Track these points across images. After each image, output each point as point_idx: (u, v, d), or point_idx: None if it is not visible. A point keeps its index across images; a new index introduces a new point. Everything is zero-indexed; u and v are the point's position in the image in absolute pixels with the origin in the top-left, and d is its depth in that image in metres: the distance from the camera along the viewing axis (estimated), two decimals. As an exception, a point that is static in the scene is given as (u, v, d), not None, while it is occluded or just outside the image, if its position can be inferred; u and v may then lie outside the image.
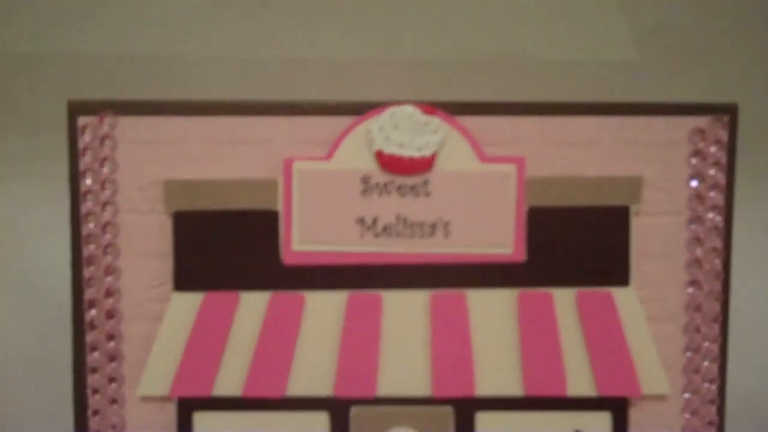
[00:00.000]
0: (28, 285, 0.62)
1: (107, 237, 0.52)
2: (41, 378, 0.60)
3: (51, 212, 0.53)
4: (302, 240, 0.52)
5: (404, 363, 0.52)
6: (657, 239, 0.52)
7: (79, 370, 0.52)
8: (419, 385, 0.51)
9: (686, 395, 0.53)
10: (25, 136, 0.59)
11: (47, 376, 0.58)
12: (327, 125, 0.51)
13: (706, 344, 0.53)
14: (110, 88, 0.51)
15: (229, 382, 0.51)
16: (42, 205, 0.57)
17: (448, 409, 0.52)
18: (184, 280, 0.52)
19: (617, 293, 0.52)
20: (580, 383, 0.52)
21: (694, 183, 0.52)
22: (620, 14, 0.67)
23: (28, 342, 0.62)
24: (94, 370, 0.53)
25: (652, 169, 0.52)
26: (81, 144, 0.52)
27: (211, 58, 0.61)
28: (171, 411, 0.52)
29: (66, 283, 0.52)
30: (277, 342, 0.52)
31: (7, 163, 0.64)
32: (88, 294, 0.52)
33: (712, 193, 0.52)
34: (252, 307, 0.52)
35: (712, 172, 0.52)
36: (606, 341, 0.52)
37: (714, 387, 0.53)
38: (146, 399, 0.53)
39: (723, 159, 0.52)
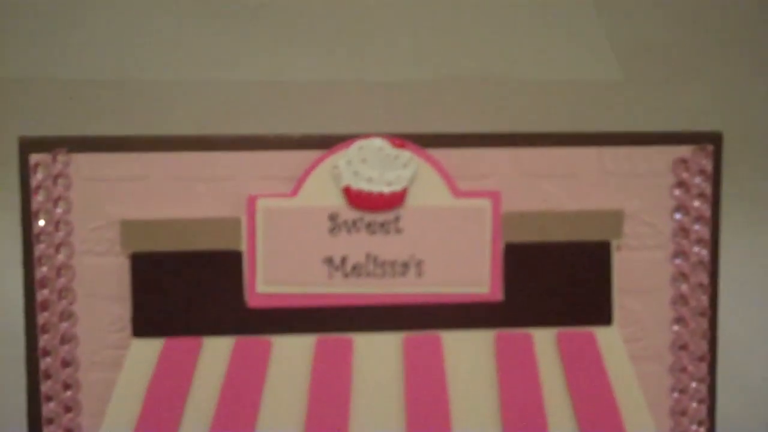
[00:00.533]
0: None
1: (62, 280, 0.50)
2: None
3: (2, 254, 0.50)
4: (267, 281, 0.49)
5: (377, 409, 0.49)
6: (640, 275, 0.50)
7: (34, 422, 0.50)
8: (394, 431, 0.49)
9: (674, 438, 0.50)
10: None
11: None
12: (292, 160, 0.49)
13: (694, 384, 0.50)
14: (66, 119, 0.48)
15: (193, 431, 0.49)
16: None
17: (424, 457, 0.49)
18: (143, 326, 0.49)
19: (599, 333, 0.50)
20: (561, 426, 0.49)
21: (677, 216, 0.50)
22: (603, 35, 0.65)
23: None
24: (50, 421, 0.50)
25: (634, 202, 0.50)
26: (33, 183, 0.49)
27: (170, 84, 0.59)
28: (132, 463, 0.50)
29: (19, 329, 0.49)
30: (243, 389, 0.49)
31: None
32: (43, 341, 0.50)
33: (696, 226, 0.50)
34: (215, 352, 0.50)
35: (696, 203, 0.50)
36: (589, 383, 0.50)
37: (703, 430, 0.51)
38: (106, 451, 0.50)
39: (708, 190, 0.50)
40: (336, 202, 0.49)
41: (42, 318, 0.50)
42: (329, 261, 0.49)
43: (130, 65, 0.61)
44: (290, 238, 0.49)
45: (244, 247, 0.49)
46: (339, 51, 0.64)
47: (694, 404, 0.50)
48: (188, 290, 0.49)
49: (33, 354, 0.50)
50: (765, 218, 0.53)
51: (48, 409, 0.50)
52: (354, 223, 0.49)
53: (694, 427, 0.51)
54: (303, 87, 0.60)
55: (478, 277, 0.49)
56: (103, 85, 0.59)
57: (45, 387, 0.50)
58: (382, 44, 0.64)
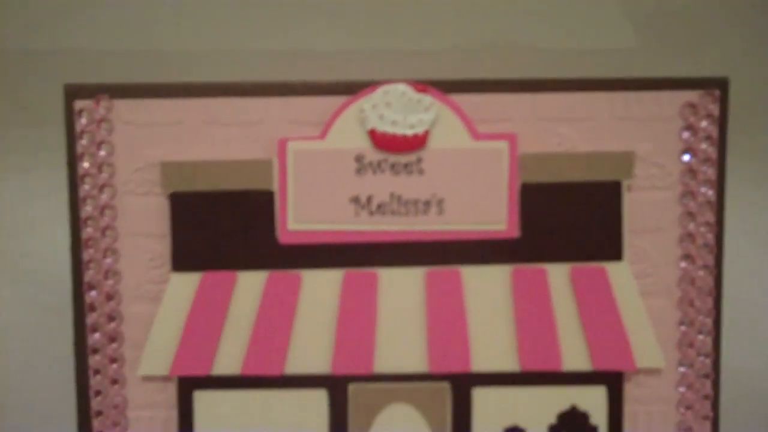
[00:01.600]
0: (29, 271, 0.63)
1: (105, 219, 0.53)
2: (44, 361, 0.61)
3: (50, 199, 0.54)
4: (298, 219, 0.52)
5: (401, 340, 0.52)
6: (650, 214, 0.53)
7: (81, 351, 0.53)
8: (416, 362, 0.52)
9: (681, 369, 0.53)
10: (23, 126, 0.59)
11: (49, 358, 0.59)
12: (320, 105, 0.52)
13: (700, 318, 0.53)
14: (105, 77, 0.51)
15: (228, 361, 0.52)
16: (41, 192, 0.58)
17: (445, 385, 0.52)
18: (181, 261, 0.53)
19: (611, 268, 0.53)
20: (575, 358, 0.52)
21: (686, 157, 0.52)
22: (616, 2, 0.67)
23: (30, 326, 0.63)
24: (95, 351, 0.53)
25: (644, 145, 0.53)
26: (78, 128, 0.52)
27: (205, 50, 0.62)
28: (172, 390, 0.53)
29: (66, 267, 0.53)
30: (275, 320, 0.52)
31: (6, 153, 0.65)
32: (88, 276, 0.53)
33: (704, 168, 0.53)
34: (249, 286, 0.53)
35: (704, 146, 0.52)
36: (600, 316, 0.52)
37: (708, 361, 0.53)
38: (147, 379, 0.53)
39: (715, 133, 0.52)
40: (362, 144, 0.52)
41: (87, 255, 0.53)
42: (356, 200, 0.52)
43: (167, 33, 0.64)
44: (319, 178, 0.52)
45: (275, 187, 0.52)
46: (360, 20, 0.66)
47: (701, 336, 0.53)
48: (224, 228, 0.53)
49: (79, 288, 0.53)
50: (766, 157, 0.55)
51: (93, 339, 0.53)
52: (379, 164, 0.52)
53: (700, 358, 0.53)
54: (327, 53, 0.63)
55: (496, 215, 0.52)
56: (141, 52, 0.63)
57: (90, 319, 0.53)
58: (403, 12, 0.67)
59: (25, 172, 0.59)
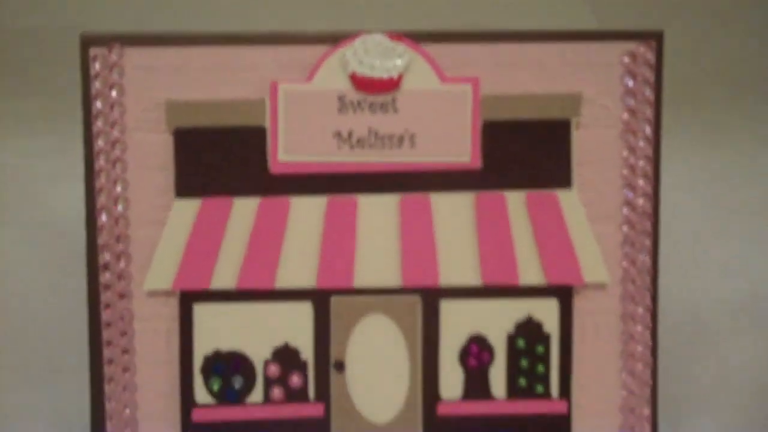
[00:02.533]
0: (47, 195, 0.70)
1: (116, 152, 0.60)
2: (58, 277, 0.68)
3: (66, 134, 0.60)
4: (287, 152, 0.59)
5: (377, 258, 0.59)
6: (596, 148, 0.60)
7: (92, 268, 0.60)
8: (391, 277, 0.59)
9: (624, 284, 0.61)
10: (44, 69, 0.66)
11: (63, 275, 0.65)
12: (307, 52, 0.59)
13: (640, 239, 0.60)
14: (118, 26, 0.58)
15: (224, 276, 0.59)
16: (60, 128, 0.65)
17: (416, 298, 0.59)
18: (184, 189, 0.60)
19: (561, 195, 0.60)
20: (530, 273, 0.59)
21: (627, 99, 0.60)
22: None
23: (48, 246, 0.69)
24: (106, 267, 0.60)
25: (591, 88, 0.60)
26: (92, 71, 0.59)
27: (207, 2, 0.69)
28: (173, 304, 0.60)
29: (80, 193, 0.59)
30: (267, 241, 0.59)
31: (30, 95, 0.71)
32: (100, 202, 0.60)
33: (643, 108, 0.60)
34: (244, 210, 0.60)
35: (643, 89, 0.60)
36: (552, 236, 0.60)
37: (648, 277, 0.61)
38: (152, 293, 0.60)
39: (652, 78, 0.60)
40: (344, 86, 0.59)
41: (99, 183, 0.60)
42: (338, 135, 0.59)
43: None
44: (306, 116, 0.59)
45: (267, 124, 0.59)
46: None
47: (641, 256, 0.61)
48: (221, 159, 0.60)
49: (91, 213, 0.60)
50: (700, 100, 0.63)
51: (103, 258, 0.60)
52: (358, 103, 0.59)
53: (641, 275, 0.61)
54: (315, 8, 0.70)
55: (461, 149, 0.60)
56: (145, 7, 0.69)
57: (101, 240, 0.60)
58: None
59: (45, 113, 0.66)
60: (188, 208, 0.59)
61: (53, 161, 0.67)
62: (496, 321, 0.60)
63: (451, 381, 0.60)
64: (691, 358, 0.65)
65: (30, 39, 0.65)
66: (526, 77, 0.60)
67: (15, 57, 0.65)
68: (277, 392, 0.59)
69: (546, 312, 0.60)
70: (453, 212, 0.60)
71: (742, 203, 0.63)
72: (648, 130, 0.60)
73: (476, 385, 0.60)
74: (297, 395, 0.59)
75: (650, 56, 0.60)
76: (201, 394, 0.59)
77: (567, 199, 0.60)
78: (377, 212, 0.60)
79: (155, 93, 0.59)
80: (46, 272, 0.67)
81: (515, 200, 0.60)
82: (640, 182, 0.60)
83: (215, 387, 0.59)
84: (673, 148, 0.61)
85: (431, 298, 0.59)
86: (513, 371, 0.60)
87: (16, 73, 0.66)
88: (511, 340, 0.60)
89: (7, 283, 0.66)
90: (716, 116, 0.63)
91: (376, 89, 0.58)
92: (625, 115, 0.60)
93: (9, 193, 0.66)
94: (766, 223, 0.64)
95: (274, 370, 0.59)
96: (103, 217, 0.60)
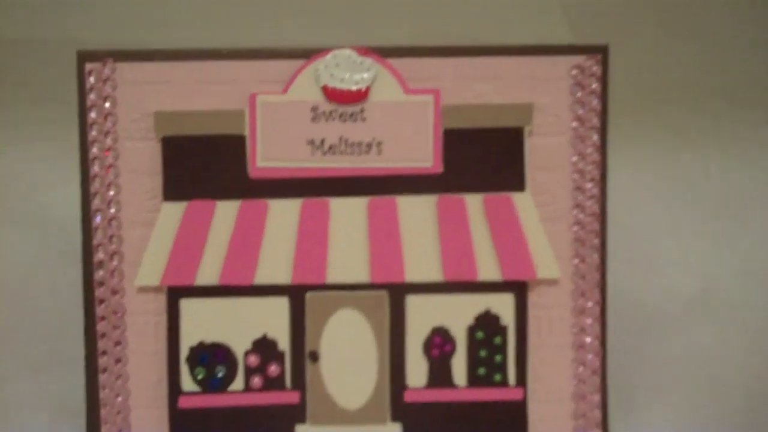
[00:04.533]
0: (45, 201, 0.74)
1: (109, 159, 0.64)
2: (56, 274, 0.72)
3: (63, 143, 0.66)
4: (264, 158, 0.64)
5: (348, 256, 0.63)
6: (548, 154, 0.64)
7: (88, 266, 0.64)
8: (360, 274, 0.63)
9: (575, 280, 0.65)
10: (42, 85, 0.71)
11: (61, 272, 0.70)
12: (283, 66, 0.64)
13: (590, 238, 0.65)
14: (111, 44, 0.63)
15: (208, 273, 0.62)
16: (57, 138, 0.70)
17: (384, 293, 0.63)
18: (171, 192, 0.64)
19: (516, 197, 0.65)
20: (488, 270, 0.63)
21: (576, 109, 0.65)
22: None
23: (46, 246, 0.74)
24: (100, 265, 0.65)
25: (543, 98, 0.64)
26: (87, 85, 0.64)
27: (191, 21, 0.74)
28: (162, 299, 0.64)
29: (76, 197, 0.64)
30: (246, 240, 0.63)
31: (30, 105, 0.76)
32: (94, 205, 0.64)
33: (591, 117, 0.65)
34: (226, 212, 0.64)
35: (590, 99, 0.65)
36: (508, 236, 0.64)
37: (598, 274, 0.65)
38: (142, 289, 0.64)
39: (599, 89, 0.64)
40: (316, 97, 0.64)
41: (93, 187, 0.64)
42: (311, 142, 0.64)
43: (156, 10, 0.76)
44: (282, 125, 0.64)
45: (247, 132, 0.64)
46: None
47: (591, 253, 0.65)
48: (205, 165, 0.64)
49: (87, 215, 0.64)
50: (642, 107, 0.67)
51: (98, 257, 0.65)
52: (330, 113, 0.64)
53: (591, 272, 0.65)
54: (289, 27, 0.74)
55: (424, 155, 0.64)
56: (136, 25, 0.75)
57: (96, 239, 0.64)
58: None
59: (44, 122, 0.71)
60: (175, 211, 0.64)
61: (52, 167, 0.72)
62: (457, 314, 0.63)
63: (417, 370, 0.63)
64: (640, 350, 0.69)
65: (30, 50, 0.70)
66: (484, 88, 0.64)
67: (16, 67, 0.70)
68: (256, 381, 0.63)
69: (503, 306, 0.63)
70: (417, 213, 0.63)
71: (693, 201, 0.67)
72: (596, 137, 0.65)
73: (439, 373, 0.63)
74: (275, 383, 0.63)
75: (596, 69, 0.64)
76: (187, 383, 0.63)
77: (521, 201, 0.64)
78: (347, 214, 0.63)
79: (145, 104, 0.63)
80: (46, 270, 0.72)
81: (474, 202, 0.64)
82: (589, 185, 0.65)
83: (200, 376, 0.63)
84: (619, 154, 0.65)
85: (397, 293, 0.63)
86: (473, 361, 0.63)
87: (17, 83, 0.71)
88: (471, 331, 0.63)
89: (8, 280, 0.70)
90: (667, 121, 0.68)
91: (345, 100, 0.63)
92: (574, 124, 0.65)
93: (11, 196, 0.71)
94: (717, 220, 0.68)
95: (253, 360, 0.63)
96: (98, 219, 0.64)
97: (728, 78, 0.68)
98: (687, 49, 0.68)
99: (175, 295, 0.63)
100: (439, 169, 0.63)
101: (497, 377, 0.63)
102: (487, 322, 0.63)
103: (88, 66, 0.63)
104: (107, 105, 0.63)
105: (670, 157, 0.66)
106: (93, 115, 0.63)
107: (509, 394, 0.63)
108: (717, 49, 0.69)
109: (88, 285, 0.63)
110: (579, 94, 0.64)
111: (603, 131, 0.64)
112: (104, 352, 0.63)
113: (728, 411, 0.68)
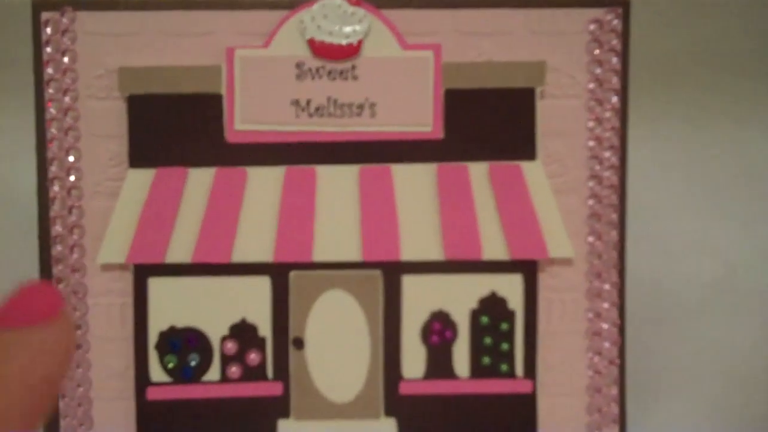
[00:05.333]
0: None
1: (68, 121, 0.58)
2: (9, 251, 0.66)
3: (17, 102, 0.59)
4: (244, 120, 0.58)
5: (337, 231, 0.57)
6: (561, 119, 0.59)
7: (44, 240, 0.58)
8: (351, 251, 0.57)
9: (590, 260, 0.59)
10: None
11: (14, 249, 0.64)
12: (264, 17, 0.57)
13: (607, 212, 0.59)
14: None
15: (179, 250, 0.57)
16: (9, 95, 0.63)
17: (377, 273, 0.58)
18: (138, 158, 0.58)
19: (525, 167, 0.59)
20: (494, 248, 0.57)
21: (593, 69, 0.58)
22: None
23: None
24: (58, 240, 0.58)
25: (556, 56, 0.58)
26: (44, 37, 0.58)
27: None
28: (128, 278, 0.58)
29: (31, 164, 0.58)
30: (223, 213, 0.57)
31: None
32: (51, 172, 0.58)
33: (610, 77, 0.59)
34: (199, 181, 0.58)
35: (609, 58, 0.58)
36: (516, 210, 0.58)
37: (615, 252, 0.59)
38: (105, 267, 0.58)
39: (619, 46, 0.58)
40: (302, 52, 0.57)
41: (51, 153, 0.58)
42: (296, 103, 0.58)
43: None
44: (263, 83, 0.58)
45: (224, 91, 0.58)
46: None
47: (608, 230, 0.59)
48: (176, 128, 0.58)
49: (43, 183, 0.58)
50: (666, 71, 0.61)
51: (56, 231, 0.58)
52: (317, 70, 0.58)
53: (608, 250, 0.59)
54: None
55: (423, 118, 0.58)
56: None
57: (53, 211, 0.58)
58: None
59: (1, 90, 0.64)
60: (142, 178, 0.58)
61: (11, 138, 0.65)
62: (459, 297, 0.58)
63: (413, 359, 0.58)
64: (660, 338, 0.63)
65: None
66: (490, 45, 0.58)
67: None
68: (234, 370, 0.58)
69: (510, 288, 0.58)
70: (414, 184, 0.58)
71: (715, 179, 0.61)
72: (615, 99, 0.58)
73: (439, 363, 0.58)
74: (255, 373, 0.58)
75: (617, 23, 0.58)
76: (156, 372, 0.58)
77: (531, 171, 0.58)
78: (336, 183, 0.58)
79: (108, 59, 0.58)
80: (-2, 246, 0.66)
81: (478, 172, 0.58)
82: (607, 154, 0.59)
83: (170, 364, 0.58)
84: (641, 119, 0.59)
85: (392, 273, 0.58)
86: (476, 349, 0.58)
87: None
88: (475, 316, 0.58)
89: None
90: (691, 91, 0.61)
91: (334, 56, 0.57)
92: (591, 85, 0.58)
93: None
94: (740, 200, 0.62)
95: (231, 347, 0.58)
96: (56, 188, 0.58)
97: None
98: (717, 1, 0.61)
99: (143, 274, 0.57)
100: (440, 134, 0.57)
101: (503, 367, 0.57)
102: (492, 306, 0.58)
103: (44, 15, 0.57)
104: (66, 60, 0.57)
105: (695, 126, 0.59)
106: (50, 71, 0.57)
107: (517, 386, 0.57)
108: (749, 6, 0.62)
109: (45, 262, 0.58)
110: (597, 52, 0.57)
111: (623, 94, 0.58)
112: (63, 338, 0.56)
113: (757, 406, 0.62)
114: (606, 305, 0.59)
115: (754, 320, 0.63)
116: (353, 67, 0.57)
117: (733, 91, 0.62)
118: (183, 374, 0.57)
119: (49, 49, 0.57)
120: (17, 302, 0.30)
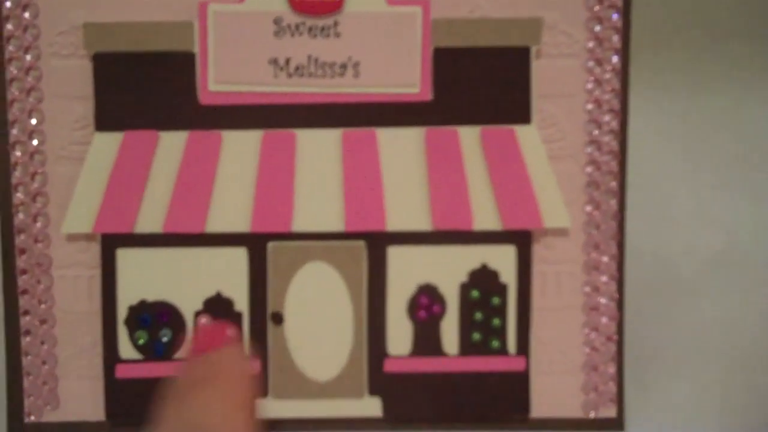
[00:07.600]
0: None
1: (30, 81, 0.54)
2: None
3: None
4: (218, 80, 0.54)
5: (318, 199, 0.54)
6: (558, 80, 0.55)
7: (5, 209, 0.54)
8: (333, 221, 0.54)
9: (588, 230, 0.56)
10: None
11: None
12: (241, -31, 0.53)
13: (606, 180, 0.55)
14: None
15: (150, 219, 0.54)
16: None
17: (361, 244, 0.54)
18: (105, 121, 0.54)
19: (519, 131, 0.55)
20: (485, 217, 0.54)
21: (592, 26, 0.55)
22: None
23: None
24: (20, 208, 0.55)
25: (553, 13, 0.55)
26: (3, -10, 0.54)
27: None
28: (95, 249, 0.55)
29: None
30: (196, 179, 0.54)
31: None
32: (12, 136, 0.54)
33: (610, 35, 0.55)
34: (170, 145, 0.54)
35: (609, 14, 0.55)
36: (509, 177, 0.54)
37: (614, 222, 0.56)
38: (71, 238, 0.55)
39: (619, 2, 0.54)
40: (280, 7, 0.54)
41: (12, 115, 0.54)
42: (274, 62, 0.54)
43: None
44: (238, 40, 0.54)
45: (196, 49, 0.54)
46: None
47: (607, 199, 0.56)
48: (146, 88, 0.54)
49: (4, 148, 0.54)
50: (675, 38, 0.58)
51: (17, 198, 0.55)
52: (297, 26, 0.54)
53: (607, 220, 0.56)
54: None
55: (410, 79, 0.54)
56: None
57: (14, 178, 0.55)
58: None
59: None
60: (109, 142, 0.54)
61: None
62: (448, 270, 0.55)
63: (399, 335, 0.55)
64: (661, 313, 0.59)
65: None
66: (482, 1, 0.54)
67: None
68: None
69: (502, 260, 0.55)
70: (401, 149, 0.55)
71: (717, 148, 0.57)
72: (615, 59, 0.55)
73: (426, 339, 0.55)
74: None
75: (619, -21, 0.54)
76: (125, 349, 0.55)
77: (526, 136, 0.55)
78: (318, 148, 0.55)
79: (73, 14, 0.54)
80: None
81: (469, 136, 0.55)
82: (606, 118, 0.55)
83: (141, 340, 0.55)
84: (642, 80, 0.55)
85: (377, 244, 0.54)
86: (466, 325, 0.55)
87: None
88: (465, 290, 0.55)
89: None
90: (694, 57, 0.58)
91: (315, 11, 0.53)
92: (591, 44, 0.55)
93: None
94: (742, 170, 0.58)
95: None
96: (17, 152, 0.54)
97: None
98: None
99: (111, 244, 0.54)
100: (428, 96, 0.54)
101: (495, 344, 0.54)
102: (483, 279, 0.55)
103: (4, -34, 0.52)
104: (26, 15, 0.53)
105: (699, 90, 0.56)
106: (9, 26, 0.53)
107: (509, 363, 0.55)
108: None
109: (7, 232, 0.55)
110: (596, 8, 0.54)
111: (624, 53, 0.54)
112: (26, 312, 0.55)
113: (764, 384, 0.59)
114: (604, 278, 0.56)
115: (762, 293, 0.60)
116: (335, 24, 0.54)
117: (739, 54, 0.58)
118: (154, 351, 0.54)
119: (8, 4, 0.54)
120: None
